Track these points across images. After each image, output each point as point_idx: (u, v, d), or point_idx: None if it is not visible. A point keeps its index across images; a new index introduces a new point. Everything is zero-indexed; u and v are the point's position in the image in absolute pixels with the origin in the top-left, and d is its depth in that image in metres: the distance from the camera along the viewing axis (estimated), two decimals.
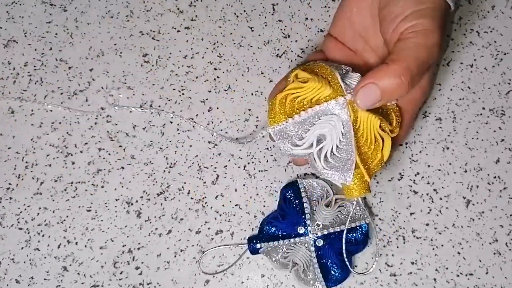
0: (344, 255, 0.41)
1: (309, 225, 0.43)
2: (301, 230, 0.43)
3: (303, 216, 0.43)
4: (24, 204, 0.45)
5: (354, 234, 0.43)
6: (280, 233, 0.43)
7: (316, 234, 0.42)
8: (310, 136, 0.37)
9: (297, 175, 0.46)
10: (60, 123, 0.47)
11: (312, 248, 0.42)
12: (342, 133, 0.37)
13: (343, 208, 0.43)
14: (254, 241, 0.43)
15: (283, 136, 0.38)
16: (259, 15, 0.50)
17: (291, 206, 0.43)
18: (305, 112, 0.37)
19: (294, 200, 0.43)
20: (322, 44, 0.45)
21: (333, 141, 0.37)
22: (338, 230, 0.42)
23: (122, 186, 0.46)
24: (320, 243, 0.42)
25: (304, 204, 0.43)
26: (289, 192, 0.44)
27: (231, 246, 0.44)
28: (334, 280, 0.42)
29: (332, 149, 0.37)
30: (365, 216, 0.43)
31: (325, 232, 0.42)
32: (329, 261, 0.42)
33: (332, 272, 0.42)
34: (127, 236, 0.45)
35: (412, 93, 0.40)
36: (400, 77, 0.34)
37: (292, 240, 0.42)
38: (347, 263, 0.41)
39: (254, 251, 0.43)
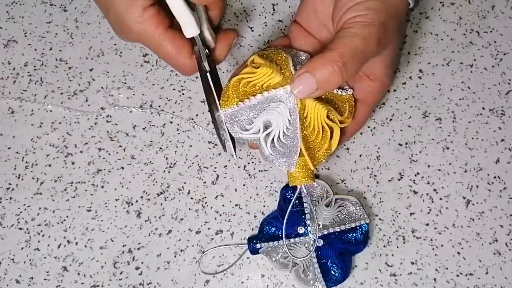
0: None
1: (309, 225, 0.43)
2: (301, 230, 0.43)
3: (303, 216, 0.43)
4: (24, 204, 0.45)
5: (354, 234, 0.43)
6: (280, 233, 0.43)
7: (316, 234, 0.42)
8: (258, 122, 0.38)
9: None
10: (60, 123, 0.47)
11: (312, 248, 0.42)
12: (289, 120, 0.37)
13: (343, 208, 0.43)
14: (254, 241, 0.43)
15: (234, 120, 0.39)
16: (259, 15, 0.50)
17: (291, 205, 0.43)
18: (255, 97, 0.38)
19: (295, 200, 0.43)
20: (288, 29, 0.45)
21: (279, 127, 0.37)
22: (338, 230, 0.42)
23: (122, 186, 0.46)
24: (320, 243, 0.42)
25: (304, 204, 0.43)
26: (289, 192, 0.44)
27: (231, 246, 0.44)
28: (334, 280, 0.42)
29: (278, 135, 0.38)
30: (365, 216, 0.43)
31: (325, 232, 0.42)
32: (329, 261, 0.42)
33: (332, 272, 0.42)
34: (127, 236, 0.45)
35: (371, 86, 0.40)
36: (333, 64, 0.34)
37: (292, 240, 0.42)
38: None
39: (254, 251, 0.43)
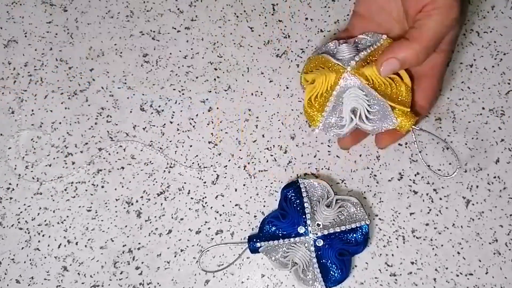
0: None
1: (309, 225, 0.43)
2: (301, 230, 0.43)
3: (304, 216, 0.43)
4: (24, 204, 0.45)
5: (355, 235, 0.43)
6: (280, 232, 0.43)
7: (316, 234, 0.42)
8: (345, 115, 0.42)
9: (297, 175, 0.46)
10: (60, 123, 0.47)
11: (312, 248, 0.42)
12: (365, 94, 0.42)
13: (343, 208, 0.43)
14: (254, 240, 0.43)
15: (329, 128, 0.43)
16: (259, 15, 0.50)
17: (291, 206, 0.43)
18: (329, 101, 0.42)
19: (295, 199, 0.43)
20: (348, 22, 0.46)
21: (362, 105, 0.42)
22: (339, 230, 0.42)
23: (122, 186, 0.46)
24: (320, 243, 0.42)
25: (305, 204, 0.43)
26: (290, 191, 0.44)
27: (231, 244, 0.44)
28: (333, 281, 0.42)
29: (366, 110, 0.42)
30: (365, 217, 0.43)
31: (325, 232, 0.42)
32: (329, 261, 0.42)
33: (331, 272, 0.42)
34: (127, 236, 0.45)
35: (436, 57, 0.42)
36: (418, 54, 0.39)
37: (292, 239, 0.43)
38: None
39: (254, 250, 0.43)
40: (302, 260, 0.42)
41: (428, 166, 0.44)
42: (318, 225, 0.43)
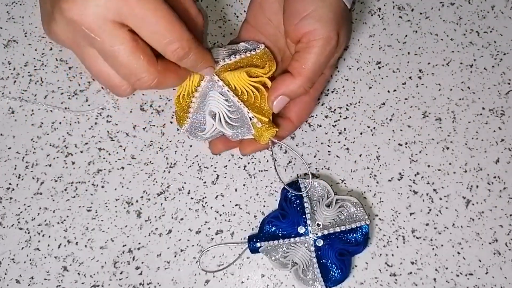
0: None
1: (309, 225, 0.43)
2: (301, 230, 0.43)
3: (304, 216, 0.43)
4: (24, 204, 0.45)
5: (355, 235, 0.43)
6: (280, 232, 0.43)
7: (316, 234, 0.42)
8: (206, 119, 0.42)
9: (297, 175, 0.46)
10: (60, 123, 0.47)
11: (312, 248, 0.42)
12: (225, 100, 0.42)
13: (343, 208, 0.43)
14: (254, 240, 0.43)
15: (195, 129, 0.43)
16: None
17: (291, 206, 0.43)
18: (192, 102, 0.42)
19: (295, 199, 0.43)
20: (238, 31, 0.47)
21: (222, 109, 0.42)
22: (338, 230, 0.42)
23: (122, 186, 0.46)
24: (320, 243, 0.42)
25: (305, 204, 0.43)
26: (293, 189, 0.44)
27: (231, 244, 0.44)
28: (333, 281, 0.42)
29: (225, 115, 0.42)
30: (365, 217, 0.43)
31: (325, 232, 0.42)
32: (329, 261, 0.42)
33: (331, 272, 0.42)
34: (127, 236, 0.45)
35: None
36: (303, 87, 0.41)
37: (292, 239, 0.43)
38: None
39: (254, 250, 0.43)
40: (302, 260, 0.42)
41: (279, 178, 0.44)
42: (318, 225, 0.43)
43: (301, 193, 0.43)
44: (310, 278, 0.42)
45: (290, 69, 0.41)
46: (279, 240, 0.43)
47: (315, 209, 0.43)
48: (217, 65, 0.42)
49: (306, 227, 0.43)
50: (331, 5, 0.40)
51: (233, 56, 0.43)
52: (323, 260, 0.42)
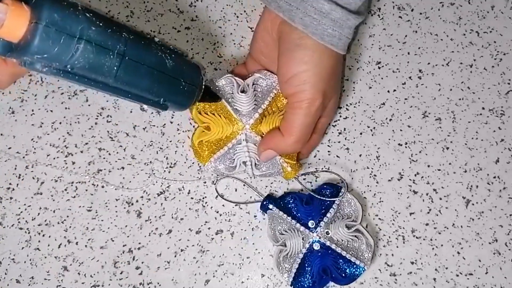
0: None
1: (320, 226, 0.43)
2: (311, 224, 0.43)
3: (322, 216, 0.43)
4: (25, 204, 0.45)
5: (347, 268, 0.42)
6: (294, 211, 0.43)
7: (320, 238, 0.42)
8: (237, 163, 0.45)
9: (297, 175, 0.46)
10: (60, 123, 0.47)
11: (307, 245, 0.42)
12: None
13: (357, 240, 0.43)
14: (270, 200, 0.44)
15: (218, 168, 0.45)
16: (259, 15, 0.50)
17: (321, 201, 0.43)
18: (222, 149, 0.44)
19: (329, 198, 0.44)
20: (246, 60, 0.47)
21: (254, 157, 0.44)
22: (339, 251, 0.42)
23: (122, 186, 0.46)
24: (317, 247, 0.42)
25: (331, 209, 0.43)
26: (330, 190, 0.44)
27: (243, 204, 0.44)
28: (300, 285, 0.42)
29: (256, 161, 0.44)
30: (368, 262, 0.42)
31: (327, 243, 0.42)
32: (310, 268, 0.42)
33: (304, 278, 0.42)
34: (128, 236, 0.45)
35: (321, 120, 0.44)
36: (293, 146, 0.42)
37: (298, 225, 0.43)
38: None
39: (264, 208, 0.44)
40: (292, 247, 0.42)
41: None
42: (327, 233, 0.43)
43: (335, 199, 0.43)
44: (286, 266, 0.42)
45: (280, 127, 0.42)
46: (288, 217, 0.43)
47: (335, 219, 0.43)
48: (250, 120, 0.44)
49: (316, 226, 0.43)
50: (321, 63, 0.40)
51: (260, 106, 0.44)
52: (306, 263, 0.42)
